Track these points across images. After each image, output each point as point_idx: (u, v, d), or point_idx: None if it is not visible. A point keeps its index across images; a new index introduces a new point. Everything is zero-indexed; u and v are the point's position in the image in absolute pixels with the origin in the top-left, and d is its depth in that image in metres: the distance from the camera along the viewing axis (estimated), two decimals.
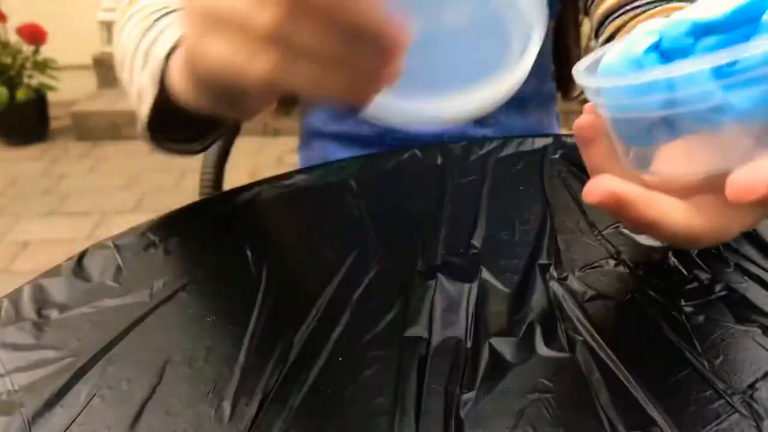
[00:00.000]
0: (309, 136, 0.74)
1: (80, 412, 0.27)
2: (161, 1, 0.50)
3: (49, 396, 0.28)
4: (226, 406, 0.27)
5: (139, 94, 0.44)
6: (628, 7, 0.60)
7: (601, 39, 0.63)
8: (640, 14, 0.59)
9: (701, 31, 0.24)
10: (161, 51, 0.40)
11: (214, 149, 0.79)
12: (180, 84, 0.35)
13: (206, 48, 0.27)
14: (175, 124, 0.45)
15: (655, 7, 0.59)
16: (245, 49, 0.26)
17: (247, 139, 2.09)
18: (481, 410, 0.27)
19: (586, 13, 0.68)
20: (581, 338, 0.31)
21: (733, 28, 0.24)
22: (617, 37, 0.60)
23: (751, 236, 0.39)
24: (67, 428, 0.26)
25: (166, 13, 0.46)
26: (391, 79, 0.26)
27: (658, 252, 0.38)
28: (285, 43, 0.25)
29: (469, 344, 0.30)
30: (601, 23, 0.63)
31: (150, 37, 0.44)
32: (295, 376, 0.29)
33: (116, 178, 2.55)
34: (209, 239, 0.40)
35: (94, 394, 0.28)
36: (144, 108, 0.43)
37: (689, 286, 0.35)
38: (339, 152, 0.68)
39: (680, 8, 0.57)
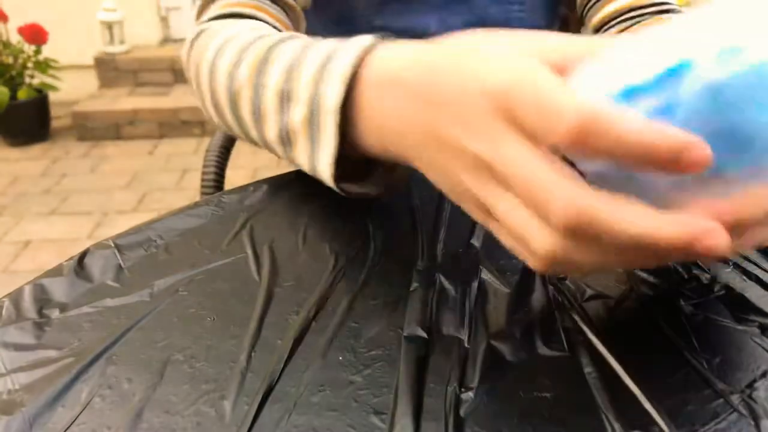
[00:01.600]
0: None
1: (81, 412, 0.27)
2: (234, 28, 0.49)
3: (50, 395, 0.28)
4: (227, 405, 0.27)
5: (286, 135, 0.40)
6: (621, 18, 0.61)
7: None
8: (632, 25, 0.60)
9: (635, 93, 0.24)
10: (328, 101, 0.36)
11: (214, 149, 0.79)
12: (379, 153, 0.36)
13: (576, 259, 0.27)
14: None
15: (648, 17, 0.59)
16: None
17: None
18: (481, 410, 0.27)
19: (582, 21, 0.69)
20: (581, 338, 0.31)
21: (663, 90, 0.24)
22: None
23: None
24: (68, 428, 0.26)
25: (276, 42, 0.43)
26: None
27: None
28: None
29: (468, 344, 0.30)
30: (596, 32, 0.64)
31: (273, 74, 0.40)
32: (295, 376, 0.29)
33: (117, 178, 2.56)
34: (210, 239, 0.40)
35: (95, 394, 0.28)
36: (304, 150, 0.39)
37: (689, 286, 0.35)
38: None
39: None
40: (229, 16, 0.56)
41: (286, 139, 0.41)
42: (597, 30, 0.64)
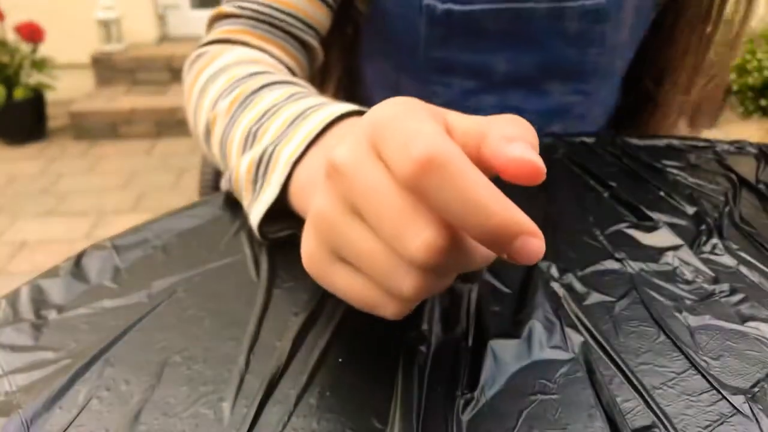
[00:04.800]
0: None
1: (79, 413, 0.27)
2: (234, 63, 0.50)
3: (47, 397, 0.28)
4: (225, 407, 0.27)
5: (233, 173, 0.41)
6: None
7: None
8: None
9: None
10: (281, 157, 0.37)
11: None
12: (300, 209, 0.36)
13: (333, 279, 0.27)
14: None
15: None
16: (379, 295, 0.26)
17: None
18: (482, 411, 0.27)
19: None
20: (581, 338, 0.31)
21: None
22: None
23: (753, 237, 0.39)
24: (65, 429, 0.26)
25: (261, 87, 0.44)
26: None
27: (658, 252, 0.38)
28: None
29: (469, 345, 0.30)
30: None
31: (251, 114, 0.42)
32: (294, 378, 0.29)
33: (114, 178, 2.55)
34: (209, 239, 0.40)
35: (93, 396, 0.28)
36: (248, 195, 0.40)
37: (691, 287, 0.35)
38: None
39: None
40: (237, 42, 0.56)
41: (234, 180, 0.41)
42: None
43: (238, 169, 0.40)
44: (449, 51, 0.62)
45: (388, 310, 0.26)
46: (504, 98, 0.65)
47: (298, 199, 0.37)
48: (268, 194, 0.38)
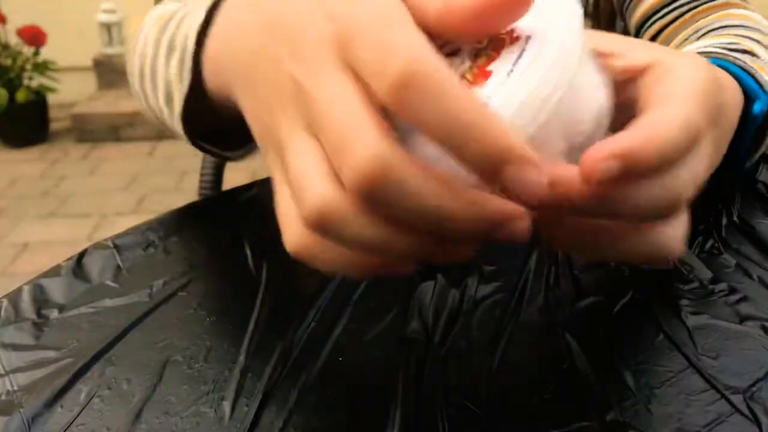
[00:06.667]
0: None
1: (80, 412, 0.27)
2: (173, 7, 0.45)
3: (48, 396, 0.28)
4: (226, 406, 0.27)
5: (167, 90, 0.38)
6: (666, 10, 0.59)
7: None
8: (679, 16, 0.58)
9: None
10: (190, 33, 0.34)
11: None
12: (215, 88, 0.32)
13: (319, 258, 0.23)
14: (209, 124, 0.39)
15: (695, 7, 0.57)
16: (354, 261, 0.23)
17: None
18: (482, 411, 0.27)
19: (622, 15, 0.66)
20: (581, 338, 0.31)
21: None
22: (658, 41, 0.58)
23: (751, 236, 0.39)
24: (66, 428, 0.26)
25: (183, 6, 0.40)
26: None
27: None
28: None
29: (468, 345, 0.30)
30: (639, 28, 0.61)
31: (171, 27, 0.39)
32: (295, 376, 0.29)
33: (116, 180, 2.55)
34: (209, 239, 0.40)
35: (94, 394, 0.28)
36: (177, 99, 0.37)
37: (689, 286, 0.35)
38: None
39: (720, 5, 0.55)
40: None
41: (169, 96, 0.38)
42: (639, 26, 0.61)
43: (170, 77, 0.37)
44: None
45: (290, 228, 0.23)
46: None
47: (215, 65, 0.33)
48: (186, 74, 0.34)
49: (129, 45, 0.48)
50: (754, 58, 0.41)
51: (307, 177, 0.22)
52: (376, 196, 0.20)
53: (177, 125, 0.37)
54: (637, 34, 0.61)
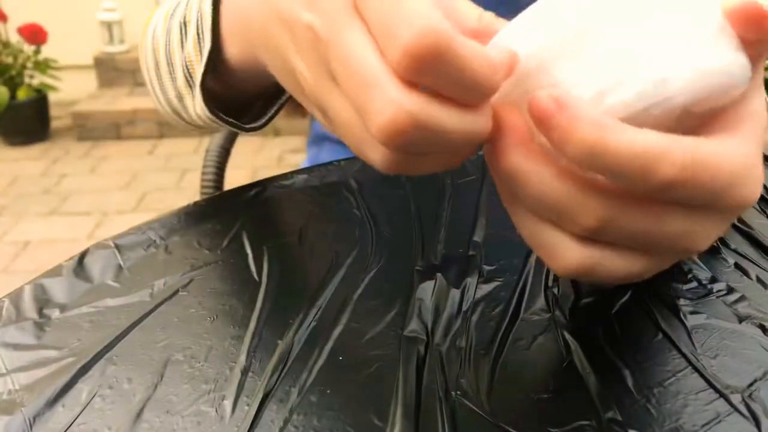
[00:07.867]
0: (319, 138, 0.74)
1: (81, 412, 0.27)
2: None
3: (50, 395, 0.28)
4: (227, 405, 0.27)
5: (186, 71, 0.39)
6: None
7: None
8: None
9: None
10: (203, 5, 0.35)
11: (214, 149, 0.79)
12: (237, 52, 0.33)
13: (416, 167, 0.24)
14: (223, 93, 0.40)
15: None
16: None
17: (248, 139, 2.09)
18: (481, 411, 0.27)
19: None
20: (581, 338, 0.31)
21: None
22: None
23: (750, 236, 0.39)
24: (68, 427, 0.27)
25: None
26: None
27: None
28: None
29: (468, 345, 0.30)
30: None
31: (178, 13, 0.40)
32: (295, 376, 0.29)
33: (117, 178, 2.56)
34: (210, 239, 0.40)
35: (95, 394, 0.28)
36: (197, 72, 0.38)
37: (689, 286, 0.35)
38: (346, 155, 0.68)
39: None
40: None
41: (188, 77, 0.39)
42: None
43: (188, 55, 0.38)
44: None
45: (372, 160, 0.24)
46: None
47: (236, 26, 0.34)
48: (206, 41, 0.35)
49: (139, 52, 0.49)
50: None
51: (361, 140, 0.23)
52: (409, 142, 0.21)
53: (197, 103, 0.38)
54: None
